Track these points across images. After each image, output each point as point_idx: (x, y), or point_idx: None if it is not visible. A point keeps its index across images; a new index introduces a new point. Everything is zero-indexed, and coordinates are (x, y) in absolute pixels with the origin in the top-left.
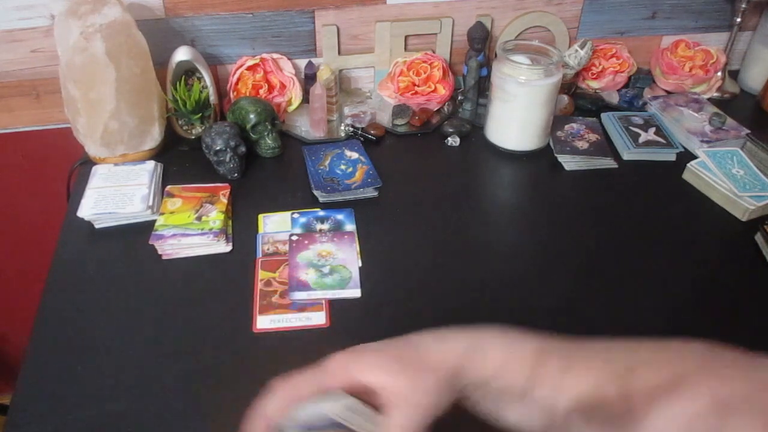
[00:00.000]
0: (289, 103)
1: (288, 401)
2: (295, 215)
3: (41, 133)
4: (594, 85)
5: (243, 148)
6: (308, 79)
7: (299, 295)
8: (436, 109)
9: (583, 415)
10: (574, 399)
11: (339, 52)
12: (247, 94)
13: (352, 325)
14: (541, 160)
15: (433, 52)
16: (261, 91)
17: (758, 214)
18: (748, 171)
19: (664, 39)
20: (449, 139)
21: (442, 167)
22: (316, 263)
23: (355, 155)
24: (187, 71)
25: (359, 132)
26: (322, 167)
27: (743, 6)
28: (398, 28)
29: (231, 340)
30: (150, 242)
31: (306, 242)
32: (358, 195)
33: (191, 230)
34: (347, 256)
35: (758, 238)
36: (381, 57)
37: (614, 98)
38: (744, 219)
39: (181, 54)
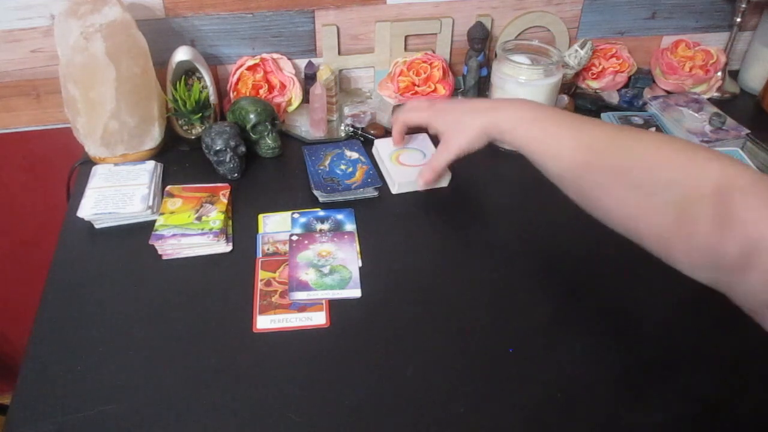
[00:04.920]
0: (289, 103)
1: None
2: (295, 215)
3: (41, 133)
4: (594, 85)
5: (243, 148)
6: (308, 79)
7: (299, 295)
8: None
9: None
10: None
11: (339, 52)
12: (247, 94)
13: (352, 325)
14: None
15: (433, 52)
16: (261, 91)
17: None
18: None
19: (664, 39)
20: None
21: None
22: (316, 263)
23: (355, 155)
24: (187, 71)
25: (359, 132)
26: (322, 167)
27: (743, 6)
28: (398, 28)
29: (231, 340)
30: (150, 242)
31: (306, 242)
32: (358, 195)
33: (191, 230)
34: (347, 256)
35: None
36: (381, 57)
37: (614, 98)
38: None
39: (181, 54)
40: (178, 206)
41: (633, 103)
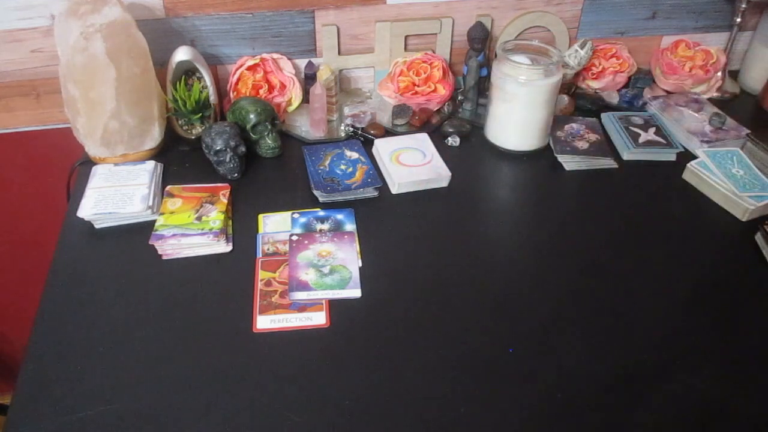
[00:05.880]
0: (289, 103)
1: None
2: (295, 215)
3: (41, 133)
4: (594, 85)
5: (243, 148)
6: (308, 79)
7: (299, 295)
8: (436, 109)
9: None
10: None
11: (339, 52)
12: (247, 94)
13: (352, 325)
14: (541, 160)
15: (433, 52)
16: (261, 91)
17: (758, 214)
18: (748, 171)
19: (664, 39)
20: (449, 139)
21: None
22: (316, 263)
23: (355, 155)
24: (187, 71)
25: (359, 132)
26: (322, 167)
27: (743, 6)
28: (398, 28)
29: (231, 340)
30: (150, 242)
31: (306, 242)
32: (358, 195)
33: (191, 230)
34: (347, 256)
35: (758, 238)
36: (381, 57)
37: (614, 98)
38: (744, 219)
39: (181, 54)
40: (178, 206)
41: (633, 103)
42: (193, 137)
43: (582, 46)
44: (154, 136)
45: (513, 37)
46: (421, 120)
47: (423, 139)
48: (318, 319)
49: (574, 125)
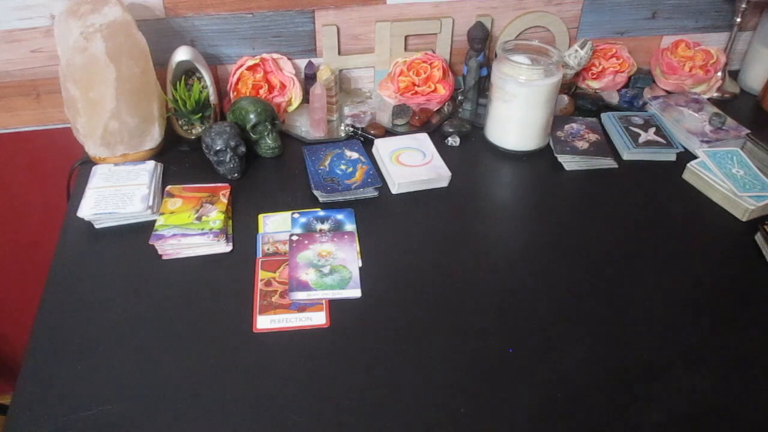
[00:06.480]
0: (289, 103)
1: None
2: (295, 215)
3: (41, 133)
4: (594, 85)
5: (243, 148)
6: (308, 79)
7: (299, 295)
8: (436, 109)
9: None
10: None
11: (339, 52)
12: (247, 94)
13: (352, 325)
14: (541, 160)
15: (433, 52)
16: (261, 91)
17: (758, 214)
18: (748, 171)
19: (664, 39)
20: (449, 139)
21: None
22: (316, 263)
23: (355, 155)
24: (187, 71)
25: (359, 132)
26: (322, 167)
27: (743, 6)
28: (398, 28)
29: (231, 340)
30: (150, 242)
31: (306, 242)
32: (358, 195)
33: (191, 230)
34: (347, 256)
35: (758, 238)
36: (381, 57)
37: (614, 98)
38: (744, 219)
39: (181, 54)
40: (178, 206)
41: (633, 103)
42: (193, 137)
43: (582, 46)
44: (154, 136)
45: (513, 37)
46: (421, 120)
47: (423, 139)
48: (318, 319)
49: (574, 125)
